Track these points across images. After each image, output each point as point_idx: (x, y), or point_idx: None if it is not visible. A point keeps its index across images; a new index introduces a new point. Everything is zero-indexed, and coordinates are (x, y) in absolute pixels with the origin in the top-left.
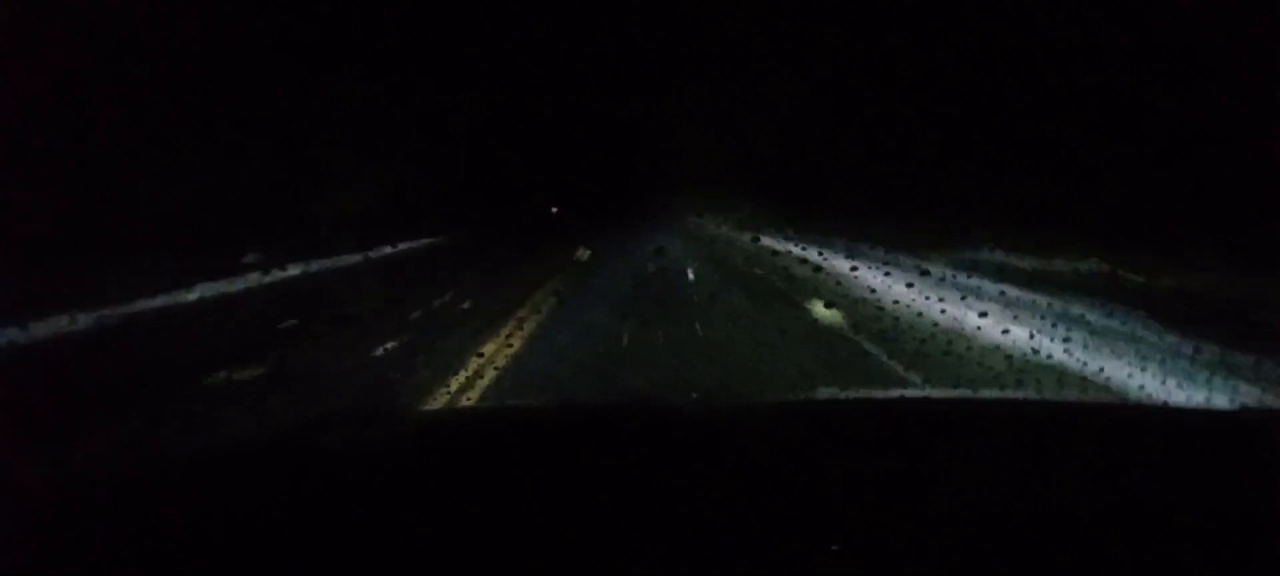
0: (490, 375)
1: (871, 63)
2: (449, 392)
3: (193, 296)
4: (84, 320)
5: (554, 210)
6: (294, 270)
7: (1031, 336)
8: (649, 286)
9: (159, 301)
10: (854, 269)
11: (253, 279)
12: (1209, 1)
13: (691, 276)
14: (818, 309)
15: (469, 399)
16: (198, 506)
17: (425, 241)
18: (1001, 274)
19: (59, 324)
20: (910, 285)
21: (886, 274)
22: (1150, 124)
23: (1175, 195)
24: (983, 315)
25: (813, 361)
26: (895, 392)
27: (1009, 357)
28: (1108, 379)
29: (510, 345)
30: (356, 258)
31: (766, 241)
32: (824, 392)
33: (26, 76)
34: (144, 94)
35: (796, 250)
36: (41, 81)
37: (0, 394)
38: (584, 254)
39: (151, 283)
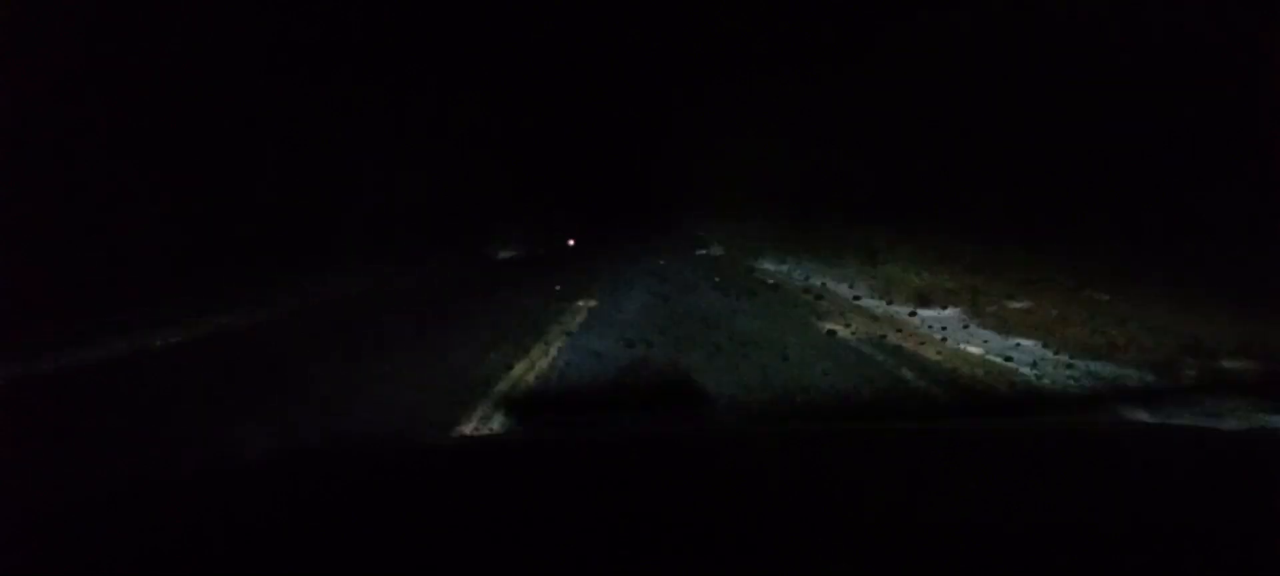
0: (503, 405)
1: (876, 87)
2: (458, 423)
3: (205, 313)
4: (96, 337)
5: (571, 243)
6: (309, 285)
7: (1034, 364)
8: (656, 313)
9: (175, 314)
10: (857, 298)
11: (265, 294)
12: (1209, 1)
13: (699, 299)
14: (822, 331)
15: (483, 428)
16: (202, 518)
17: (439, 266)
18: (1003, 296)
19: (68, 344)
20: (913, 313)
21: (888, 301)
22: (1154, 134)
23: (1181, 206)
24: (985, 342)
25: (819, 383)
26: (895, 421)
27: (1012, 382)
28: (1111, 399)
29: (523, 371)
30: (372, 277)
31: (770, 266)
32: (830, 418)
33: (26, 76)
34: (151, 96)
35: (799, 275)
36: (41, 83)
37: (15, 408)
38: (594, 282)
39: (163, 296)
